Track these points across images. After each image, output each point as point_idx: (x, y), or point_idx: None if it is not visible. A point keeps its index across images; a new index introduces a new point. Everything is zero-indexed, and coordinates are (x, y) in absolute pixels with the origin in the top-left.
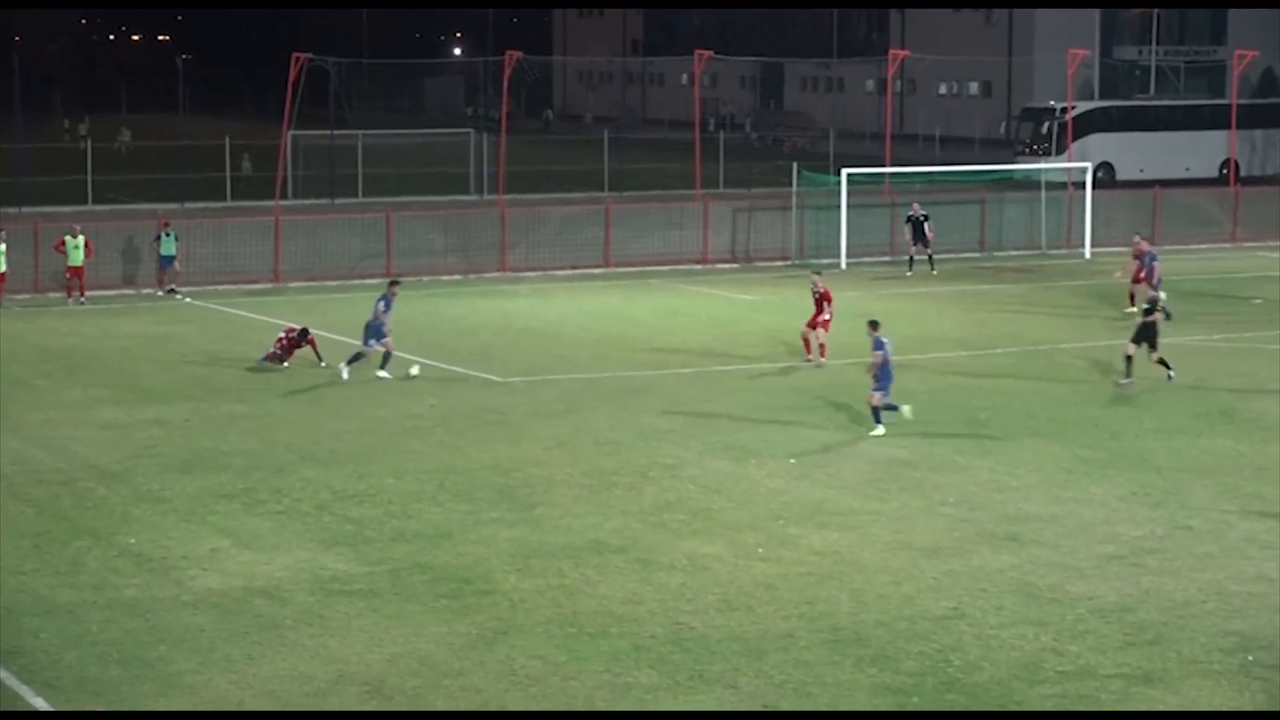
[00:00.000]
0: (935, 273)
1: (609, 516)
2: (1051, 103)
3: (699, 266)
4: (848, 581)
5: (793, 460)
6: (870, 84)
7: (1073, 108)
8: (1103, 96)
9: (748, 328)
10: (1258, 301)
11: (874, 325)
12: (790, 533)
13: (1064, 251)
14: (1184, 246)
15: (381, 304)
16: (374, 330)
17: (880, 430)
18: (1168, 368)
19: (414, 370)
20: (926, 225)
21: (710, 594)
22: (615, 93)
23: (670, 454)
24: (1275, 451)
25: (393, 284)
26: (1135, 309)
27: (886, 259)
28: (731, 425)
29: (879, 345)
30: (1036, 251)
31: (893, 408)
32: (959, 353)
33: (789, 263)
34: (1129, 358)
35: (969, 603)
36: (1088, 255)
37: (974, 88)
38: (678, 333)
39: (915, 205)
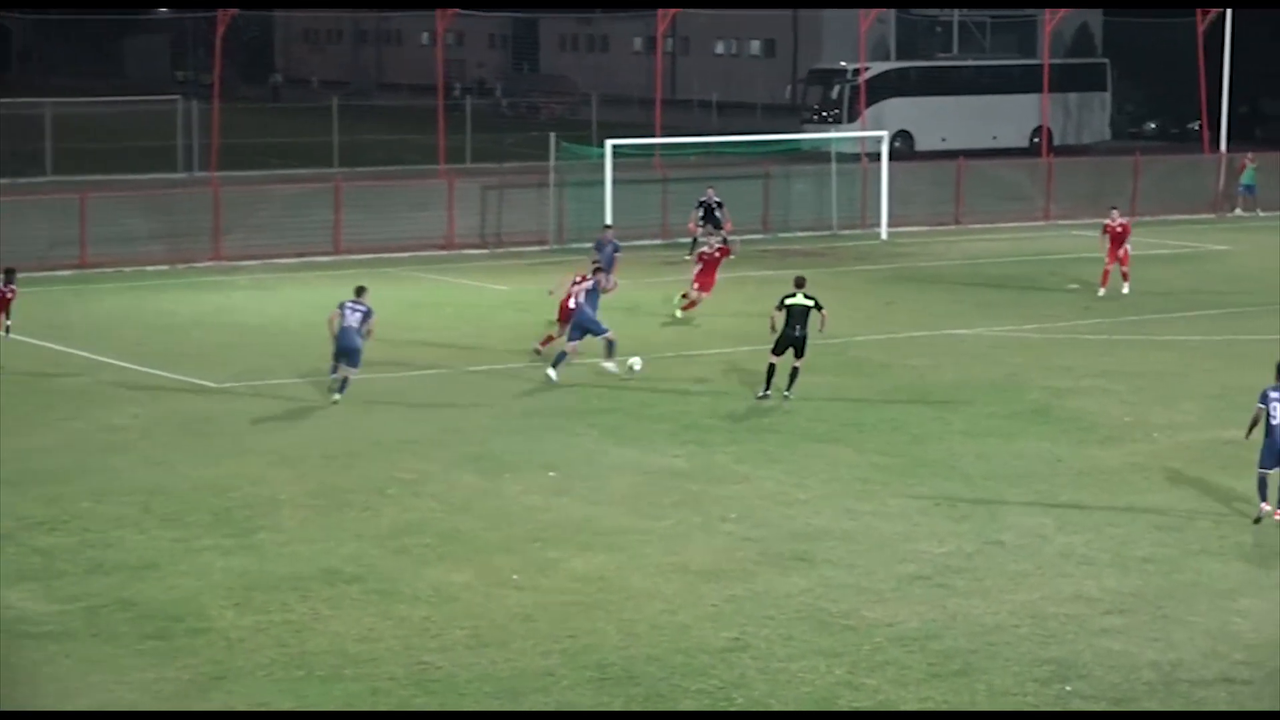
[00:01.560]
0: (734, 257)
1: (341, 541)
2: (843, 64)
3: (444, 252)
4: (615, 611)
5: (552, 474)
6: (638, 43)
7: (866, 69)
8: (900, 57)
9: (501, 322)
10: (1073, 287)
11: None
12: (549, 556)
13: (858, 231)
14: (991, 225)
15: None
16: None
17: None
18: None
19: (636, 364)
20: (720, 212)
21: (458, 628)
22: (346, 54)
23: (412, 468)
24: (1096, 455)
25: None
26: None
27: (659, 242)
28: (482, 434)
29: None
30: (827, 232)
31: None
32: (740, 348)
33: (546, 248)
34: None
35: (753, 632)
36: (884, 235)
37: (755, 47)
38: (420, 329)
39: (709, 190)
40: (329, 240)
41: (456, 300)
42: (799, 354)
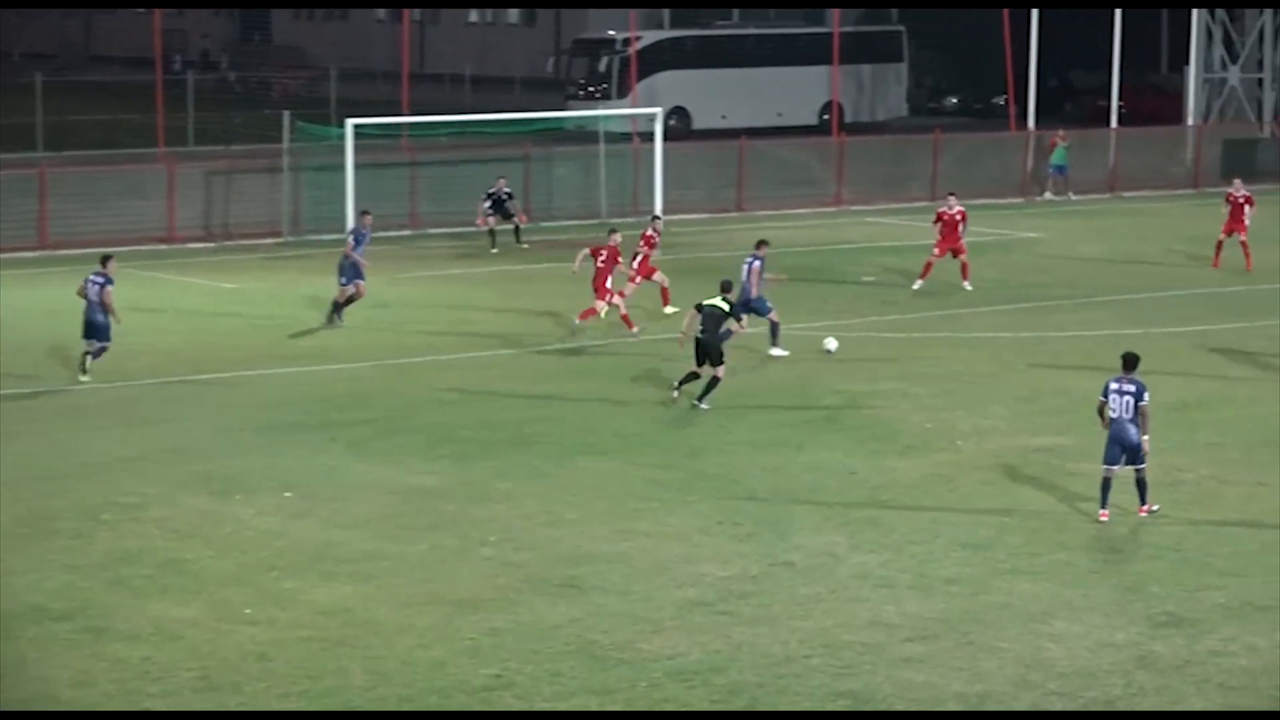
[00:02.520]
0: (526, 246)
1: (49, 573)
2: (611, 33)
3: (164, 247)
4: (362, 647)
5: (289, 494)
6: (381, 10)
7: (637, 39)
8: (675, 25)
9: (230, 324)
10: (868, 279)
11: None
12: (286, 587)
13: (630, 219)
14: (778, 211)
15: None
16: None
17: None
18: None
19: (830, 345)
20: (511, 203)
21: (184, 669)
22: (52, 22)
23: (131, 490)
24: (894, 466)
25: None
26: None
27: (407, 232)
28: (210, 450)
29: None
30: (595, 220)
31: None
32: (499, 351)
33: (281, 240)
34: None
35: (517, 668)
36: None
37: (513, 15)
38: (139, 332)
39: (500, 180)
40: (33, 234)
41: (180, 300)
42: (713, 361)
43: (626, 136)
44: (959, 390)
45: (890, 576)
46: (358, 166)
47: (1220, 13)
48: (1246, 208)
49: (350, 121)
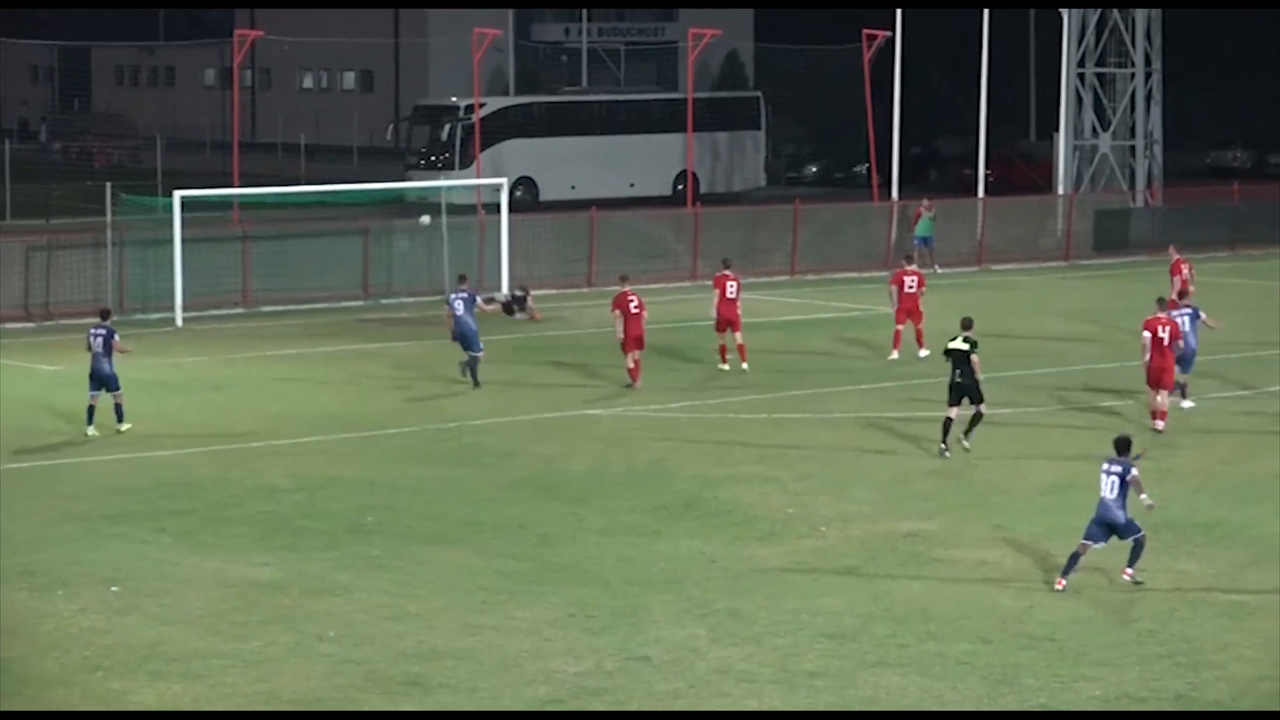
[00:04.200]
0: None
1: None
2: (453, 99)
3: None
4: None
5: (115, 588)
6: (210, 75)
7: (481, 106)
8: (521, 91)
9: (55, 408)
10: (723, 367)
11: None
12: (113, 688)
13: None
14: (631, 285)
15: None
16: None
17: None
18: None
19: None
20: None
21: None
22: None
23: None
24: (755, 553)
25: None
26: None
27: (239, 310)
28: (29, 542)
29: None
30: (438, 296)
31: None
32: (338, 435)
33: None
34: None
35: None
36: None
37: (350, 80)
38: None
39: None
40: None
41: None
42: (972, 400)
43: (471, 208)
44: (821, 473)
45: (752, 671)
46: (186, 240)
47: (1090, 78)
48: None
49: (177, 193)
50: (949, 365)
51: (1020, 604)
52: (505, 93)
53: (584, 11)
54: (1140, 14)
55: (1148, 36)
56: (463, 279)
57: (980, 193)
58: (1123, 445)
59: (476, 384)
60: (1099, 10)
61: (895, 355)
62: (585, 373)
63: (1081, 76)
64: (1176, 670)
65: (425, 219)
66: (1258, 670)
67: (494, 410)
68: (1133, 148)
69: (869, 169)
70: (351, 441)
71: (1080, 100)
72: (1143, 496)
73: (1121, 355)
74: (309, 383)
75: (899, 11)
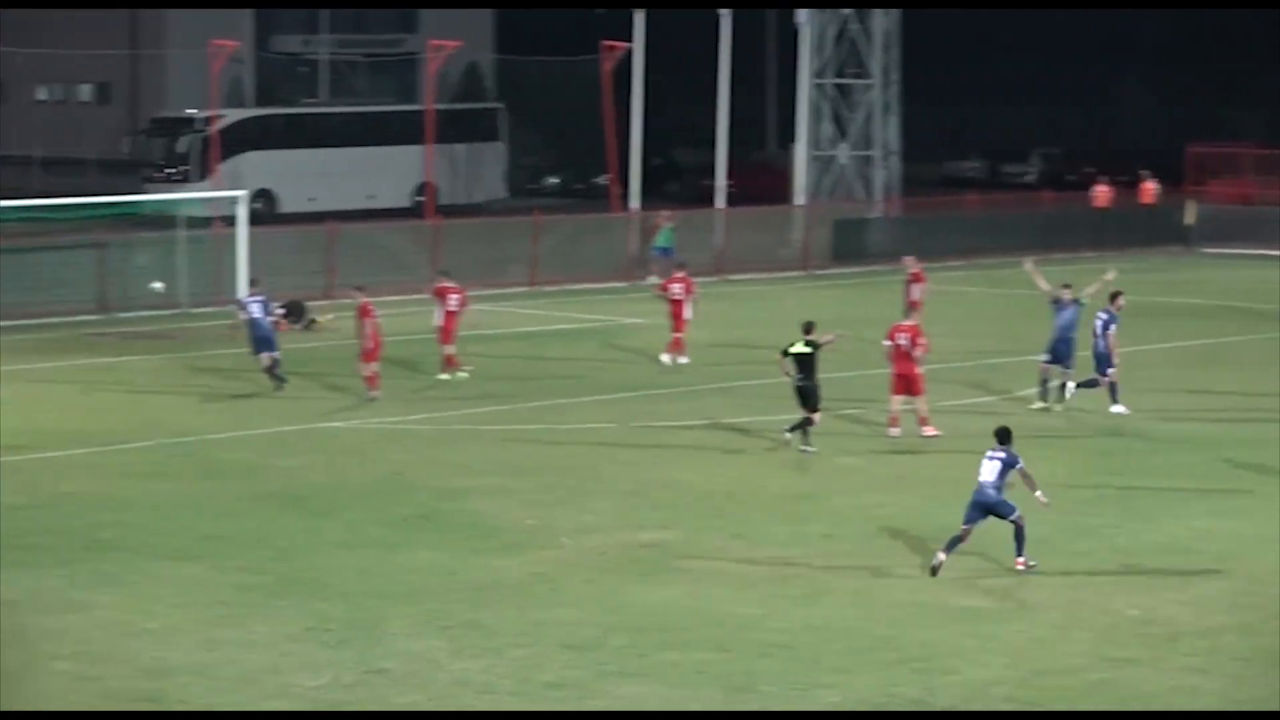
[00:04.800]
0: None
1: None
2: (191, 111)
3: None
4: None
5: None
6: None
7: (220, 118)
8: (260, 103)
9: None
10: (467, 369)
11: None
12: None
13: (213, 309)
14: (371, 298)
15: (1099, 324)
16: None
17: None
18: None
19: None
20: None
21: None
22: None
23: None
24: (495, 565)
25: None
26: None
27: None
28: None
29: None
30: (177, 310)
31: None
32: (73, 450)
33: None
34: None
35: None
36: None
37: (86, 92)
38: None
39: None
40: None
41: None
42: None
43: (208, 221)
44: (561, 484)
45: (491, 682)
46: None
47: (829, 89)
48: (915, 286)
49: None
50: (792, 368)
51: (758, 612)
52: (244, 105)
53: (324, 21)
54: (878, 26)
55: (885, 47)
56: (255, 283)
57: (720, 203)
58: (1003, 435)
59: (281, 384)
60: (837, 21)
61: (667, 359)
62: (325, 385)
63: (820, 87)
64: (912, 676)
65: (158, 286)
66: (991, 674)
67: (233, 424)
68: (871, 158)
69: (609, 180)
70: (86, 457)
71: (819, 111)
72: (1037, 494)
73: (860, 364)
74: (41, 398)
75: (638, 23)
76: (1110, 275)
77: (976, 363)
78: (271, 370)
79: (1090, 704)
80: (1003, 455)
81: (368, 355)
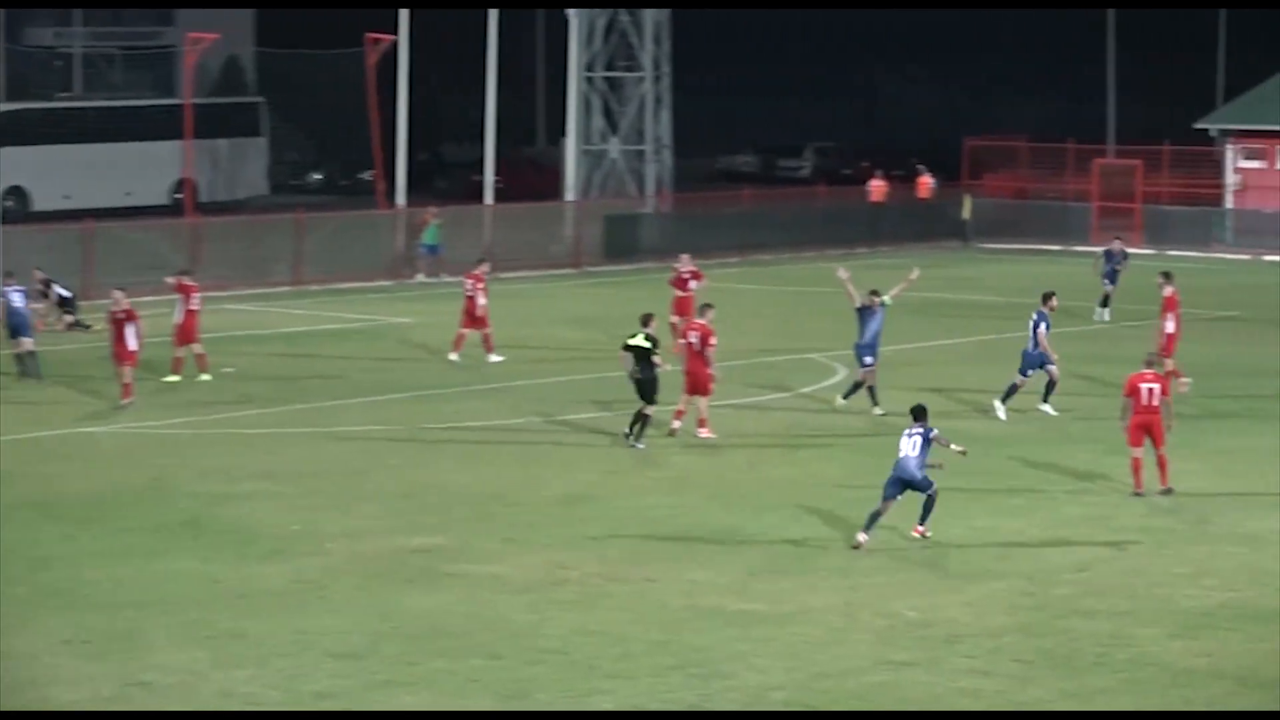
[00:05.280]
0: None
1: None
2: None
3: None
4: None
5: None
6: None
7: None
8: (12, 97)
9: None
10: (228, 370)
11: None
12: None
13: None
14: (138, 299)
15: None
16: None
17: None
18: None
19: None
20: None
21: None
22: None
23: None
24: (258, 572)
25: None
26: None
27: None
28: None
29: None
30: None
31: None
32: None
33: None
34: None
35: None
36: None
37: None
38: None
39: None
40: None
41: None
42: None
43: None
44: (328, 489)
45: (256, 693)
46: None
47: (600, 82)
48: (693, 283)
49: None
50: (630, 361)
51: (532, 617)
52: None
53: (78, 14)
54: (649, 18)
55: (656, 40)
56: (9, 275)
57: (488, 199)
58: (919, 412)
59: (29, 376)
60: (607, 13)
61: (455, 357)
62: (83, 389)
63: (590, 80)
64: (688, 681)
65: None
66: (769, 679)
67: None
68: (642, 152)
69: (374, 176)
70: None
71: (589, 105)
72: (953, 446)
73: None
74: None
75: (403, 16)
76: (914, 275)
77: (754, 361)
78: (21, 357)
79: (869, 707)
80: (921, 431)
81: (126, 359)
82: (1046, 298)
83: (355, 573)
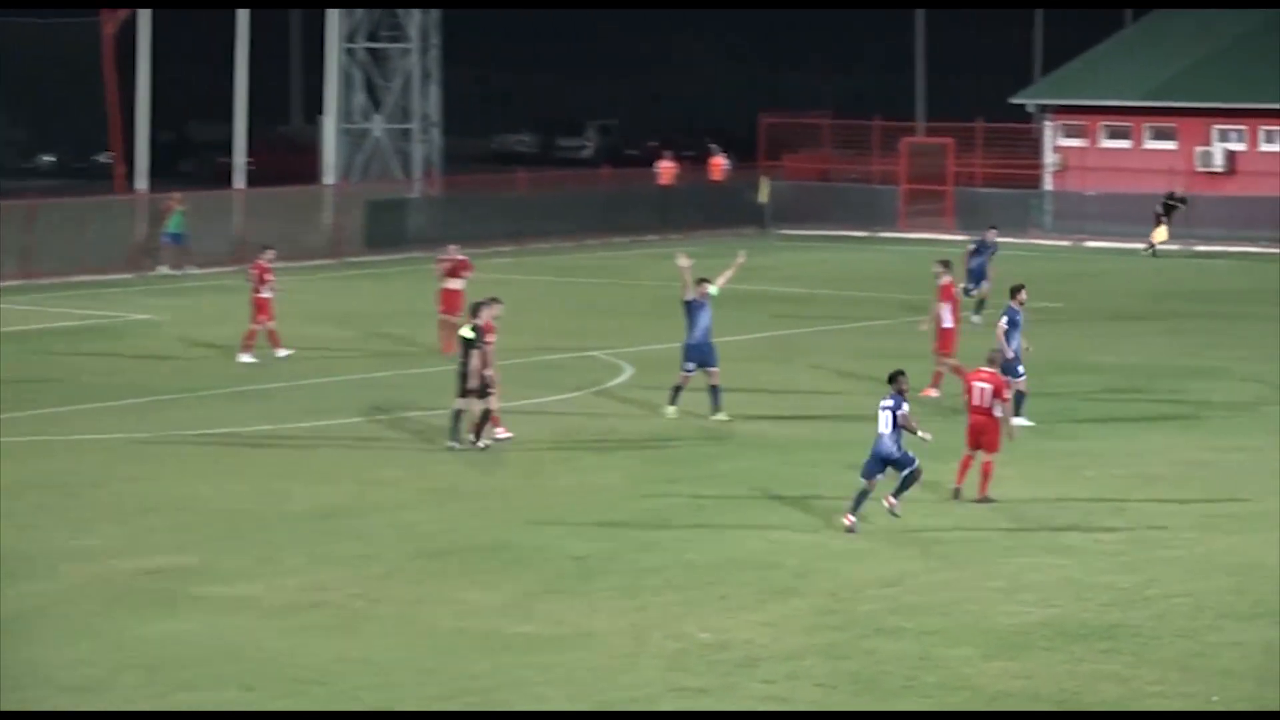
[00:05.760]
0: None
1: None
2: None
3: None
4: None
5: None
6: None
7: None
8: None
9: None
10: None
11: None
12: None
13: None
14: None
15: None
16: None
17: None
18: None
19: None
20: None
21: None
22: None
23: None
24: None
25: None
26: None
27: None
28: None
29: None
30: None
31: None
32: None
33: None
34: None
35: None
36: None
37: None
38: None
39: None
40: None
41: None
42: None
43: None
44: (59, 505)
45: None
46: None
47: (362, 53)
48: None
49: None
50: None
51: (286, 644)
52: None
53: None
54: None
55: (424, 8)
56: None
57: (239, 183)
58: (894, 378)
59: None
60: None
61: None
62: None
63: (351, 52)
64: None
65: None
66: (551, 710)
67: None
68: (409, 131)
69: (112, 158)
70: None
71: (350, 79)
72: (921, 433)
73: (399, 364)
74: None
75: None
76: (742, 259)
77: (532, 359)
78: None
79: None
80: (891, 403)
81: None
82: (1015, 291)
83: (90, 597)
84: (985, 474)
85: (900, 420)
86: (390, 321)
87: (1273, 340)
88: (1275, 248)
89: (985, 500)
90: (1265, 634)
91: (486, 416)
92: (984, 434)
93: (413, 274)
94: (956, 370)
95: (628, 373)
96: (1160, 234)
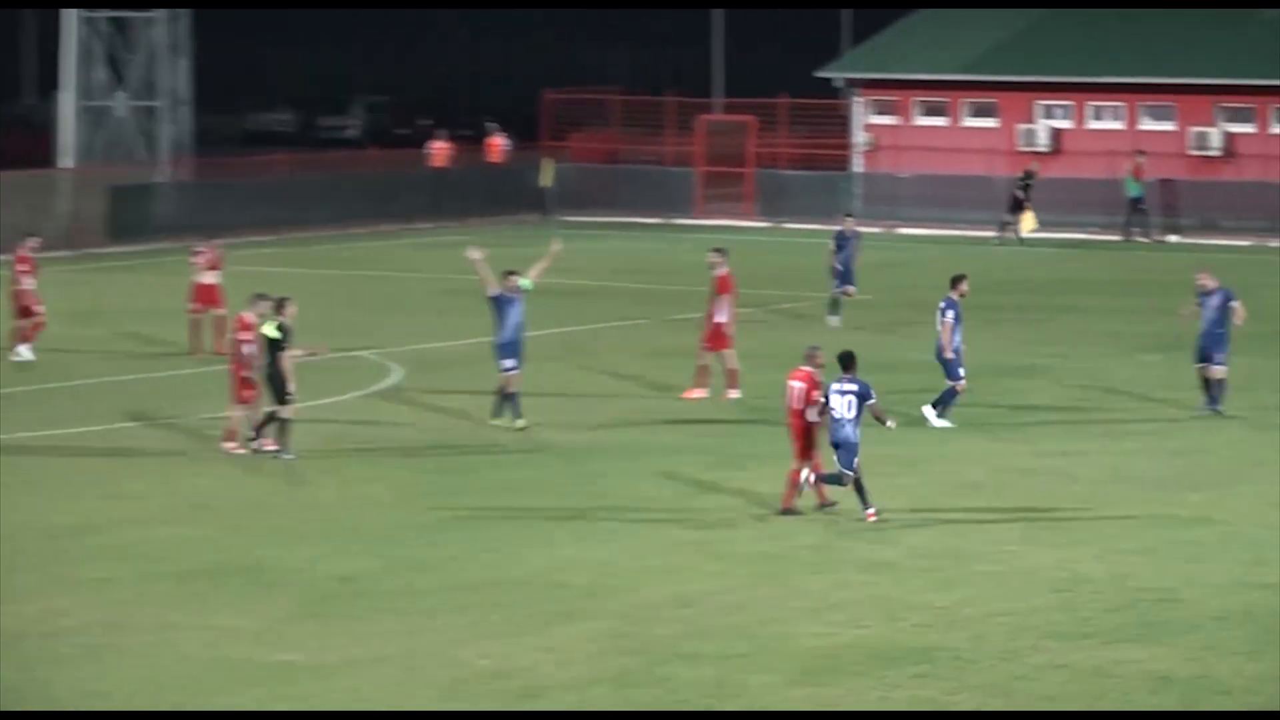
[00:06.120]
0: None
1: None
2: None
3: None
4: None
5: None
6: None
7: None
8: None
9: None
10: None
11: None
12: None
13: None
14: None
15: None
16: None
17: None
18: None
19: None
20: None
21: None
22: None
23: None
24: None
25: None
26: None
27: None
28: None
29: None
30: None
31: None
32: None
33: None
34: None
35: None
36: None
37: None
38: None
39: None
40: None
41: None
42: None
43: None
44: None
45: None
46: None
47: (103, 23)
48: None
49: None
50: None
51: (21, 677)
52: None
53: None
54: None
55: None
56: None
57: None
58: (846, 360)
59: None
60: None
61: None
62: None
63: (91, 22)
64: None
65: None
66: None
67: None
68: (155, 109)
69: None
70: None
71: (90, 52)
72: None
73: (147, 366)
74: None
75: None
76: (556, 247)
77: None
78: None
79: None
80: (855, 388)
81: None
82: (955, 282)
83: None
84: (791, 484)
85: (873, 411)
86: (134, 320)
87: (1096, 336)
88: (1103, 234)
89: (788, 512)
90: (1092, 655)
91: (270, 420)
92: (800, 437)
93: (160, 266)
94: (731, 373)
95: (397, 374)
96: (1029, 221)
